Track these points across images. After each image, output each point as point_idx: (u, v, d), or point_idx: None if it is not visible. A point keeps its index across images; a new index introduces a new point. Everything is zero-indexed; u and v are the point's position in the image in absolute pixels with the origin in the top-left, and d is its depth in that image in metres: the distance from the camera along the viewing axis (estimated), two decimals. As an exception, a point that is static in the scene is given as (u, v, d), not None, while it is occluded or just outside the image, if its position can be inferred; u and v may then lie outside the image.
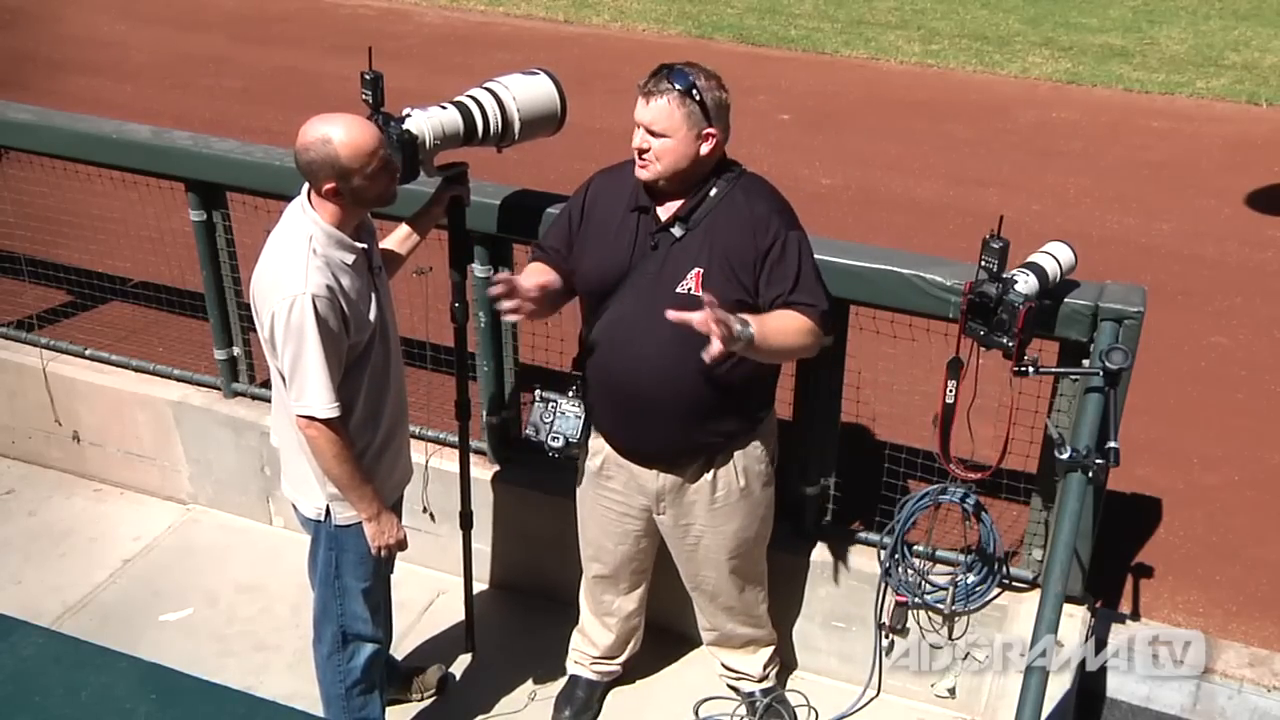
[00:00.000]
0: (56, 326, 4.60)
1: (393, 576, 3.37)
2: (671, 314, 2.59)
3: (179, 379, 4.28)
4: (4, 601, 3.79)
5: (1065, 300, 2.94)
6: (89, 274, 4.59)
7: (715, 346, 2.52)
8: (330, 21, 9.27)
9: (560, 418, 3.02)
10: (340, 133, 2.59)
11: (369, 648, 3.10)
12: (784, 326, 2.79)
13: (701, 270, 2.79)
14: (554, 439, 3.03)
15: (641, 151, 2.76)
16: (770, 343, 2.73)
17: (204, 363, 4.23)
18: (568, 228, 2.98)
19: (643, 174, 2.80)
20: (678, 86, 2.70)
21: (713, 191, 2.83)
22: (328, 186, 2.61)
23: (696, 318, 2.52)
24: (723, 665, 3.50)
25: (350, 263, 2.71)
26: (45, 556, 4.18)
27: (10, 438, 4.63)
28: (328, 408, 2.68)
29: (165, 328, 4.50)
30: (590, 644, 3.50)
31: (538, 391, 3.04)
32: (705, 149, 2.76)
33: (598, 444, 3.09)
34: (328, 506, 2.89)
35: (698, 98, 2.71)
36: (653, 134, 2.73)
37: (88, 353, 4.41)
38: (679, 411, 2.91)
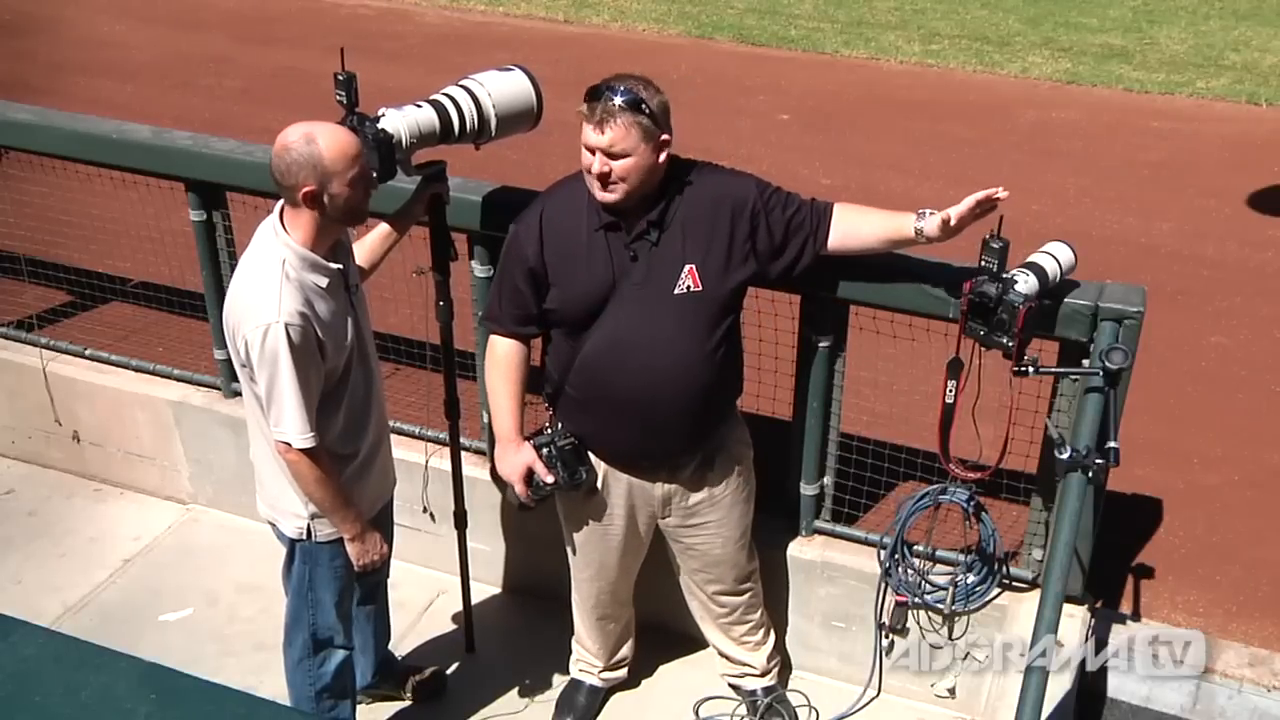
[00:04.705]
0: (56, 326, 4.60)
1: (391, 576, 3.38)
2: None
3: (179, 379, 4.28)
4: (4, 601, 3.79)
5: (1065, 300, 2.94)
6: (89, 274, 4.58)
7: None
8: (330, 21, 9.27)
9: (565, 456, 2.99)
10: (324, 134, 2.57)
11: (340, 654, 3.10)
12: (874, 209, 2.90)
13: (694, 265, 2.79)
14: (575, 474, 3.00)
15: (603, 176, 2.71)
16: None
17: (204, 363, 4.23)
18: (530, 291, 2.89)
19: (609, 197, 2.73)
20: (626, 103, 2.66)
21: (674, 188, 2.81)
22: (306, 189, 2.57)
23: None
24: (726, 660, 3.50)
25: (325, 285, 2.68)
26: (45, 556, 4.18)
27: (10, 438, 4.63)
28: (304, 437, 2.66)
29: (165, 328, 4.50)
30: (593, 653, 3.51)
31: (529, 444, 3.02)
32: (662, 156, 2.75)
33: (593, 461, 3.07)
34: (309, 526, 2.88)
35: (647, 110, 2.68)
36: (611, 156, 2.68)
37: (88, 353, 4.41)
38: (691, 412, 2.92)
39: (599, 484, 3.07)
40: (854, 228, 2.85)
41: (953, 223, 2.70)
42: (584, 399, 2.96)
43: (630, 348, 2.85)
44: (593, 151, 2.70)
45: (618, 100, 2.66)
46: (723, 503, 3.12)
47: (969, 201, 2.68)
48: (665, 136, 2.73)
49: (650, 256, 2.80)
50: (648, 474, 3.05)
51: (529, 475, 3.00)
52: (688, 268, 2.79)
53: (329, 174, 2.57)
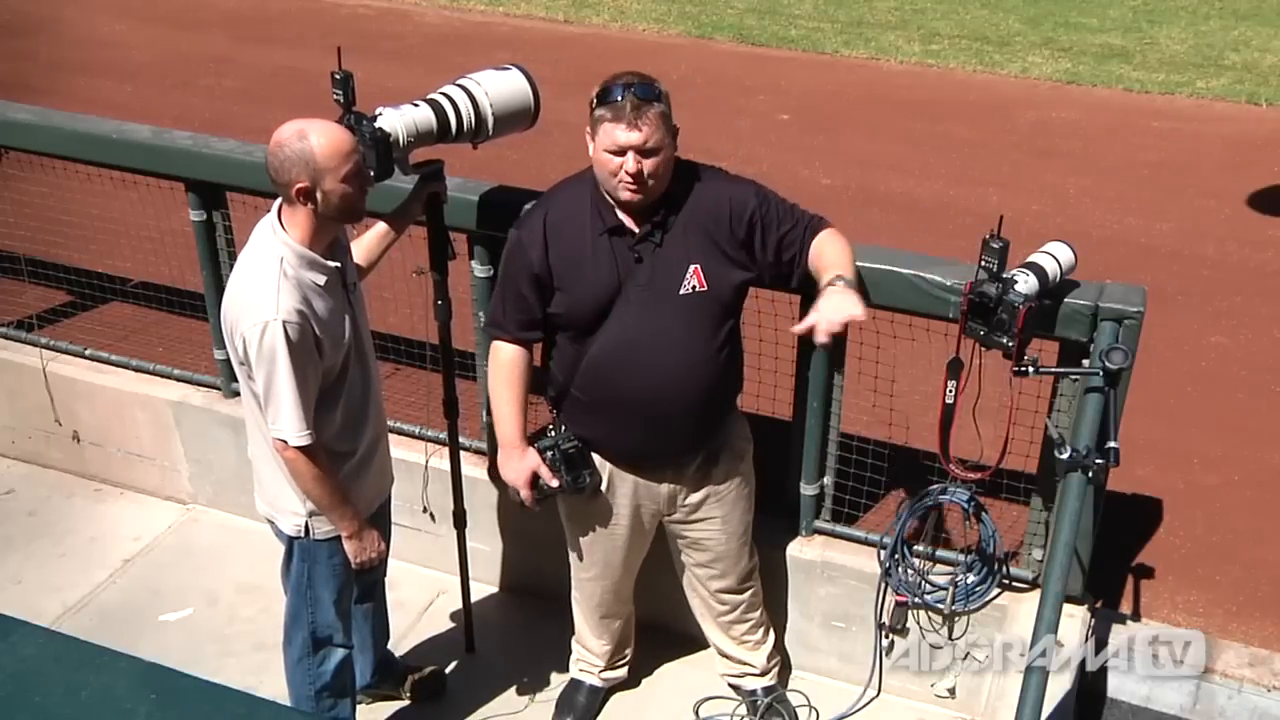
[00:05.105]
0: (56, 326, 4.60)
1: (391, 576, 3.38)
2: (810, 334, 2.67)
3: (179, 379, 4.28)
4: (4, 601, 3.79)
5: (1065, 300, 2.94)
6: (89, 274, 4.58)
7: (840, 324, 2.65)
8: (330, 21, 9.27)
9: (569, 459, 2.99)
10: (317, 130, 2.57)
11: (340, 652, 3.11)
12: (842, 250, 2.85)
13: (699, 265, 2.79)
14: (579, 478, 3.00)
15: (639, 175, 2.68)
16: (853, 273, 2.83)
17: (204, 363, 4.23)
18: (534, 297, 2.86)
19: (638, 197, 2.72)
20: (650, 97, 2.65)
21: (677, 189, 2.80)
22: (299, 185, 2.56)
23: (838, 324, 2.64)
24: (726, 659, 3.50)
25: (322, 284, 2.68)
26: (45, 556, 4.18)
27: (10, 438, 4.63)
28: (301, 435, 2.66)
29: (165, 328, 4.50)
30: (595, 654, 3.50)
31: (533, 449, 3.01)
32: (676, 146, 2.76)
33: (597, 463, 3.06)
34: (307, 523, 2.88)
35: (665, 101, 2.68)
36: (644, 153, 2.66)
37: (88, 353, 4.41)
38: (696, 410, 2.93)
39: (604, 484, 3.07)
40: (818, 256, 2.86)
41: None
42: (591, 401, 2.95)
43: (638, 348, 2.85)
44: (621, 153, 2.66)
45: (640, 95, 2.64)
46: (726, 498, 3.12)
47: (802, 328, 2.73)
48: (676, 125, 2.74)
49: (655, 258, 2.80)
50: (653, 473, 3.05)
51: (534, 480, 3.00)
52: (693, 268, 2.80)
53: (321, 170, 2.57)
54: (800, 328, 2.75)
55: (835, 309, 2.65)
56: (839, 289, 2.70)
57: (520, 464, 2.99)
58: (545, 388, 3.08)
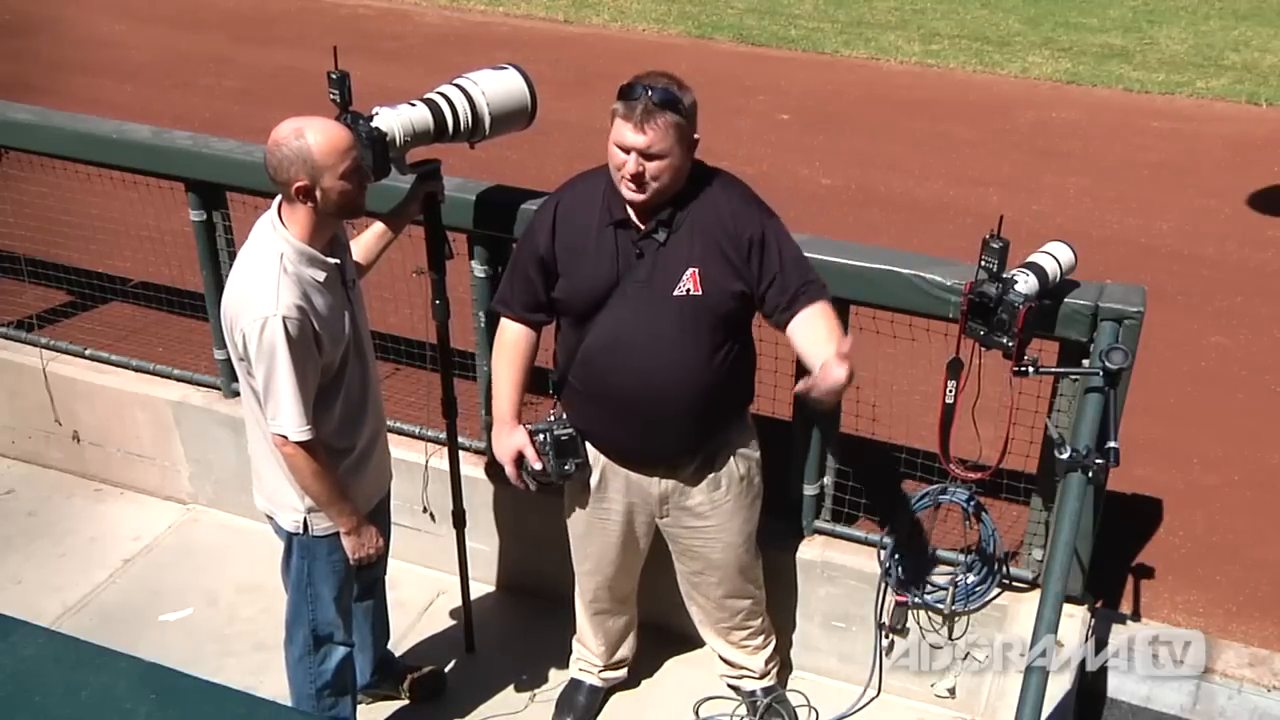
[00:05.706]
0: (56, 326, 4.60)
1: (391, 575, 3.38)
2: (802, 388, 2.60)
3: (179, 379, 4.28)
4: (4, 601, 3.79)
5: (1065, 300, 2.94)
6: (89, 274, 4.58)
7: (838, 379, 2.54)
8: (330, 21, 9.27)
9: (560, 445, 2.99)
10: (314, 128, 2.58)
11: (341, 650, 3.11)
12: (833, 326, 2.80)
13: (697, 270, 2.79)
14: (565, 465, 3.00)
15: (637, 176, 2.69)
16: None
17: (204, 363, 4.23)
18: (540, 280, 2.90)
19: (639, 197, 2.73)
20: (664, 103, 2.65)
21: (689, 190, 2.80)
22: (299, 184, 2.57)
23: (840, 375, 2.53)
24: (725, 662, 3.50)
25: (322, 280, 2.69)
26: (45, 556, 4.17)
27: (10, 438, 4.63)
28: (300, 430, 2.67)
29: (165, 328, 4.50)
30: (595, 653, 3.50)
31: (525, 428, 3.02)
32: (691, 155, 2.76)
33: (591, 455, 3.07)
34: (306, 519, 2.89)
35: (682, 109, 2.68)
36: (647, 157, 2.67)
37: (88, 353, 4.41)
38: (688, 413, 2.91)
39: (598, 477, 3.07)
40: (810, 327, 2.79)
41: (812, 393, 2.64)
42: (585, 391, 2.97)
43: (628, 345, 2.85)
44: (627, 151, 2.68)
45: (657, 100, 2.64)
46: (723, 507, 3.11)
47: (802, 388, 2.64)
48: (696, 136, 2.74)
49: (656, 256, 2.81)
50: (645, 471, 3.05)
51: (520, 459, 3.01)
52: (690, 271, 2.79)
53: (320, 168, 2.57)
54: (801, 388, 2.67)
55: (836, 377, 2.56)
56: (836, 362, 2.60)
57: (508, 440, 3.00)
58: (551, 373, 3.09)
